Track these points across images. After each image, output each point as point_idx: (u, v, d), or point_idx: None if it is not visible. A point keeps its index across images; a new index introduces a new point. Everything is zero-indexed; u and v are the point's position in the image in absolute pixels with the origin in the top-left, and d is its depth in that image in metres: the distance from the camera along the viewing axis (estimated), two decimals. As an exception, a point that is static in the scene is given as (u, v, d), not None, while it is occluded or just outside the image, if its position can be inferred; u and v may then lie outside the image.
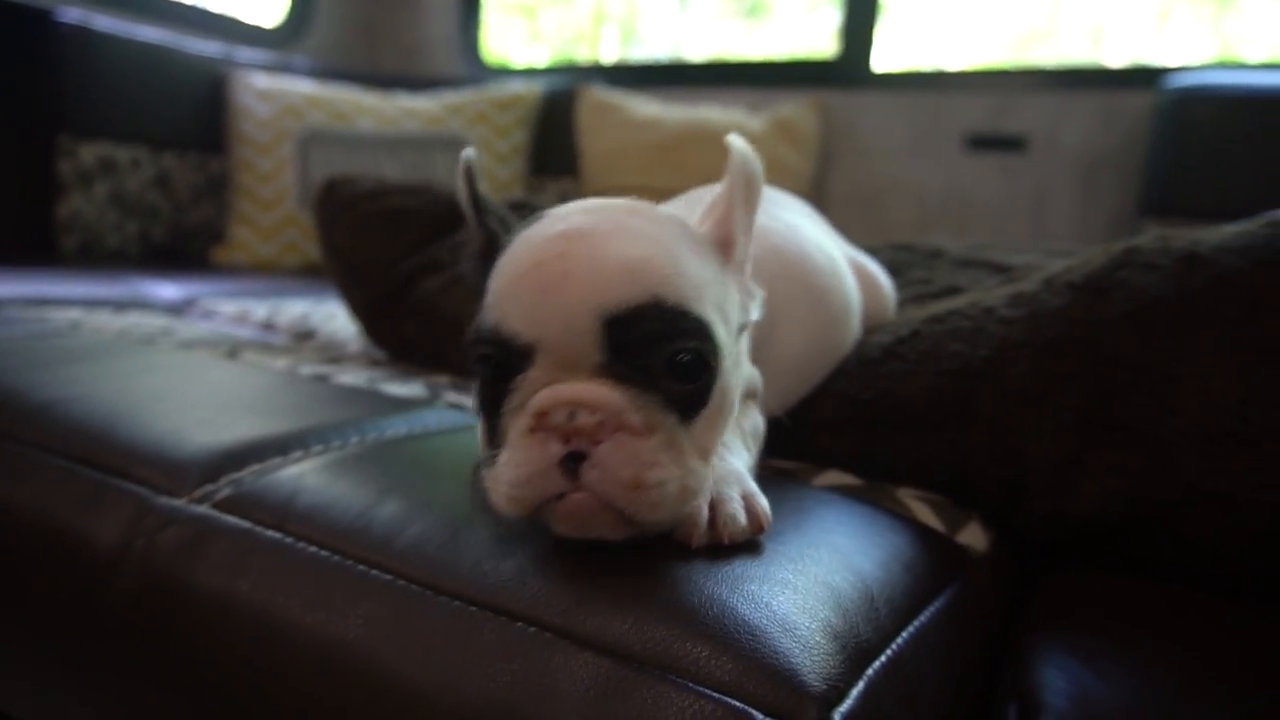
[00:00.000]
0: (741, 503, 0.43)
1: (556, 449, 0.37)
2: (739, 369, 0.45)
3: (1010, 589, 0.56)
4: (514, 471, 0.38)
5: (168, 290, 1.49)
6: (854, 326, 0.67)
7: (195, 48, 2.09)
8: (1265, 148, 1.61)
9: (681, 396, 0.39)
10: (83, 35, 1.88)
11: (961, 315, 0.62)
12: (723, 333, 0.41)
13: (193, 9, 2.29)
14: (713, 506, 0.42)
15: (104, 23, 1.92)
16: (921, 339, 0.62)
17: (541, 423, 0.38)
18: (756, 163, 0.45)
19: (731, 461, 0.46)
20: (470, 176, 0.47)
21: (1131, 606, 0.50)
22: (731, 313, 0.43)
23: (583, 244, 0.40)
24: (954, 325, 0.61)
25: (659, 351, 0.38)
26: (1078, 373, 0.53)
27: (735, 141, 0.45)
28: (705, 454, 0.41)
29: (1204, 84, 1.71)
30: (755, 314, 0.46)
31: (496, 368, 0.40)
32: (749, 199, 0.45)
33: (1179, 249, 0.54)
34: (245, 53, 2.21)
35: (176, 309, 1.39)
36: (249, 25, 2.45)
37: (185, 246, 2.07)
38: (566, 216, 0.42)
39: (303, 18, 2.57)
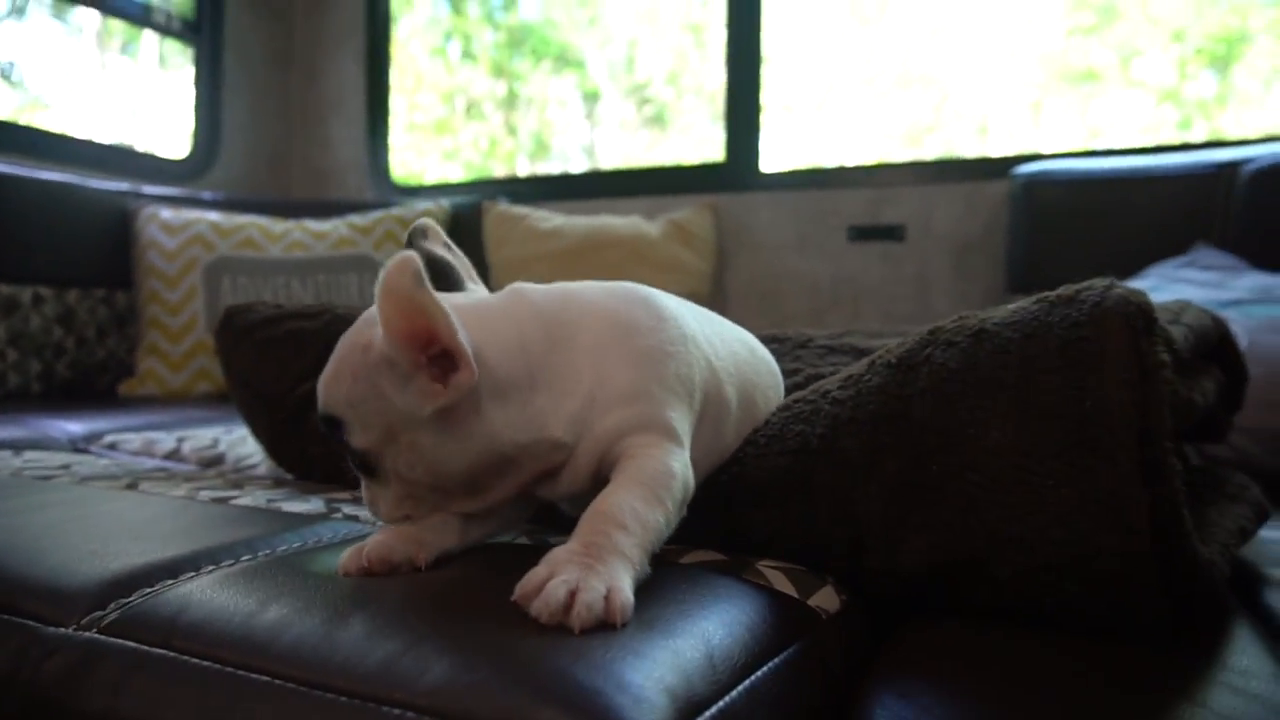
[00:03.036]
0: (602, 593, 0.47)
1: None
2: (438, 434, 0.57)
3: (863, 645, 0.61)
4: None
5: (71, 426, 1.48)
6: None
7: (99, 185, 2.13)
8: (1104, 225, 1.79)
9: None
10: (-16, 181, 1.90)
11: (803, 400, 0.69)
12: (368, 428, 0.58)
13: (98, 146, 2.33)
14: (574, 591, 0.47)
15: (3, 167, 1.95)
16: (770, 424, 0.69)
17: None
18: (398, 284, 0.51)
19: (619, 546, 0.50)
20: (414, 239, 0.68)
21: (958, 651, 0.56)
22: (387, 405, 0.56)
23: None
24: (796, 410, 0.68)
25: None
26: (894, 442, 0.60)
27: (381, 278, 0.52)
28: (409, 487, 0.60)
29: (1047, 170, 1.90)
30: (448, 394, 0.54)
31: None
32: (408, 314, 0.52)
33: (971, 326, 0.62)
34: (152, 188, 2.25)
35: (79, 445, 1.38)
36: (157, 159, 2.50)
37: (91, 382, 2.06)
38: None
39: (210, 149, 2.64)
